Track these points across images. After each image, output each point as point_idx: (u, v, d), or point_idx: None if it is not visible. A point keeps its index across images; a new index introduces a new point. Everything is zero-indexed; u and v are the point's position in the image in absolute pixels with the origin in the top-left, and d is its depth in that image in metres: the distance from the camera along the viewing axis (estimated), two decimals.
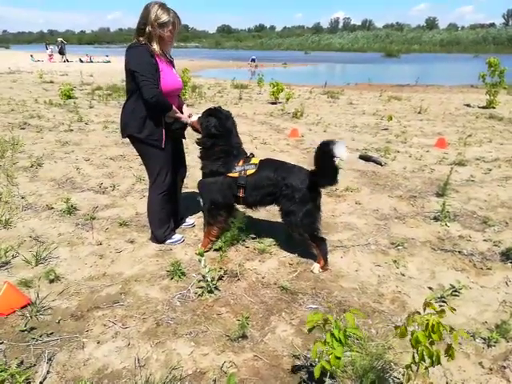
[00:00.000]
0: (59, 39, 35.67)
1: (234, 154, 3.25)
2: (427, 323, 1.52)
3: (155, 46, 3.04)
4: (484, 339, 2.46)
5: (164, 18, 2.97)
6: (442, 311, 1.57)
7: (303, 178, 3.14)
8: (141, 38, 3.03)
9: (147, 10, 2.98)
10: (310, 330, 1.72)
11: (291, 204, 3.14)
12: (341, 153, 2.84)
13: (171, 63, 3.30)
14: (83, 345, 2.39)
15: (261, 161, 3.30)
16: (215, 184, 3.26)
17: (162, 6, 2.99)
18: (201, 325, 2.58)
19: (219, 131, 3.18)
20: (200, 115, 3.32)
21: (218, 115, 3.23)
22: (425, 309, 1.63)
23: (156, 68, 3.01)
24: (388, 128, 8.91)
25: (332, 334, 1.58)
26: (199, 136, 3.37)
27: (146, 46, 3.01)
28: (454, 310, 1.68)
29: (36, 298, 2.74)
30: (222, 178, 3.24)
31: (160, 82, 3.05)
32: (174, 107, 3.18)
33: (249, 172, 3.21)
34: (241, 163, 3.24)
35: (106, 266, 3.23)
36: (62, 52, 33.49)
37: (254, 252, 3.47)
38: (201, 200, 4.46)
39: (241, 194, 3.26)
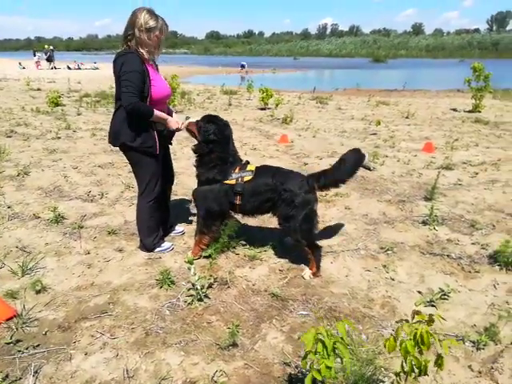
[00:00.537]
0: (47, 46, 35.40)
1: (230, 161, 3.25)
2: (415, 333, 1.52)
3: (143, 52, 3.03)
4: (473, 342, 2.47)
5: (151, 23, 2.98)
6: (431, 320, 1.57)
7: (301, 183, 3.16)
8: (129, 44, 3.03)
9: (135, 15, 2.98)
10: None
11: (290, 209, 3.13)
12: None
13: (158, 69, 3.30)
14: (70, 356, 2.35)
15: (257, 167, 3.30)
16: (211, 192, 3.24)
17: (150, 12, 3.00)
18: (191, 334, 2.55)
19: (218, 138, 3.18)
20: (198, 119, 3.30)
21: (218, 122, 3.23)
22: (413, 317, 1.62)
23: (144, 76, 3.00)
24: (376, 133, 8.99)
25: (323, 344, 1.57)
26: (192, 142, 3.37)
27: (135, 53, 3.00)
28: (444, 319, 1.67)
29: (22, 309, 2.69)
30: (218, 185, 3.22)
31: (151, 90, 3.05)
32: (156, 111, 3.11)
33: (246, 179, 3.20)
34: (237, 170, 3.23)
35: (94, 276, 3.19)
36: (50, 59, 33.22)
37: (244, 259, 3.46)
38: (190, 207, 4.47)
39: (238, 202, 3.24)
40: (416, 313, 1.61)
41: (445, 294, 2.93)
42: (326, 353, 1.54)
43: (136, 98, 2.95)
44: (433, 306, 2.84)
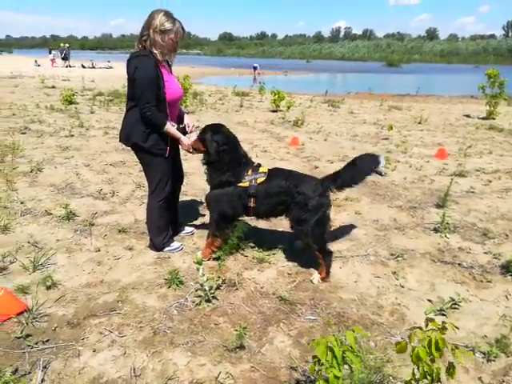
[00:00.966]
0: (62, 44, 35.89)
1: (243, 163, 3.25)
2: (429, 340, 1.50)
3: (156, 53, 3.05)
4: (483, 353, 2.43)
5: (167, 25, 2.98)
6: (444, 328, 1.55)
7: (315, 186, 3.14)
8: (144, 44, 3.05)
9: (151, 16, 3.00)
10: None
11: (303, 212, 3.10)
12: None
13: (171, 71, 3.32)
14: (79, 353, 2.37)
15: (270, 169, 3.28)
16: (225, 195, 3.22)
17: (167, 14, 3.00)
18: (198, 334, 2.56)
19: (228, 144, 3.18)
20: (198, 134, 3.29)
21: (222, 130, 3.23)
22: (427, 324, 1.60)
23: (159, 80, 3.02)
24: (388, 138, 8.93)
25: (332, 353, 1.55)
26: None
27: (149, 55, 3.02)
28: (457, 328, 1.65)
29: (33, 304, 2.72)
30: (232, 188, 3.20)
31: (165, 92, 3.08)
32: (170, 126, 3.13)
33: (259, 180, 3.18)
34: (250, 172, 3.21)
35: (104, 273, 3.21)
36: (65, 57, 33.68)
37: (252, 261, 3.46)
38: (200, 208, 4.49)
39: (252, 204, 3.21)
40: (429, 320, 1.59)
41: (455, 303, 2.89)
42: (335, 362, 1.52)
43: (151, 104, 2.99)
44: (443, 314, 2.80)
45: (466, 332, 2.66)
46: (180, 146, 3.38)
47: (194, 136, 3.33)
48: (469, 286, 3.21)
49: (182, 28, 3.09)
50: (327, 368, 1.56)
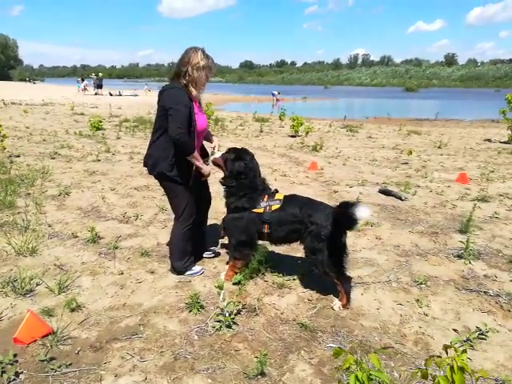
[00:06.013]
0: (94, 74, 38.12)
1: (260, 189, 3.32)
2: (451, 366, 1.46)
3: (192, 89, 3.20)
4: None
5: (203, 62, 3.16)
6: (464, 351, 1.52)
7: (329, 215, 3.14)
8: (181, 80, 3.19)
9: (189, 53, 3.17)
10: (337, 369, 1.68)
11: (317, 242, 3.11)
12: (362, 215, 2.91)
13: (201, 105, 3.46)
14: (101, 377, 2.38)
15: (285, 196, 3.33)
16: (241, 220, 3.30)
17: (203, 52, 3.19)
18: (218, 361, 2.55)
19: (244, 172, 3.27)
20: (223, 152, 3.41)
21: (243, 157, 3.32)
22: (447, 352, 1.57)
23: (191, 111, 3.15)
24: (408, 162, 8.88)
25: (356, 377, 1.53)
26: (220, 173, 3.46)
27: (184, 89, 3.17)
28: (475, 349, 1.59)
29: (57, 327, 2.76)
30: (247, 213, 3.28)
31: (192, 125, 3.19)
32: (195, 154, 3.24)
33: (273, 207, 3.24)
34: (266, 198, 3.28)
35: (126, 297, 3.26)
36: (99, 86, 35.59)
37: (272, 286, 3.45)
38: (221, 231, 4.52)
39: (265, 230, 3.28)
40: (448, 346, 1.56)
41: (482, 334, 2.80)
42: None
43: (183, 129, 3.10)
44: (470, 345, 2.71)
45: (494, 364, 2.56)
46: (204, 172, 3.43)
47: (218, 154, 3.44)
48: (496, 316, 3.10)
49: (214, 63, 3.29)
50: None
